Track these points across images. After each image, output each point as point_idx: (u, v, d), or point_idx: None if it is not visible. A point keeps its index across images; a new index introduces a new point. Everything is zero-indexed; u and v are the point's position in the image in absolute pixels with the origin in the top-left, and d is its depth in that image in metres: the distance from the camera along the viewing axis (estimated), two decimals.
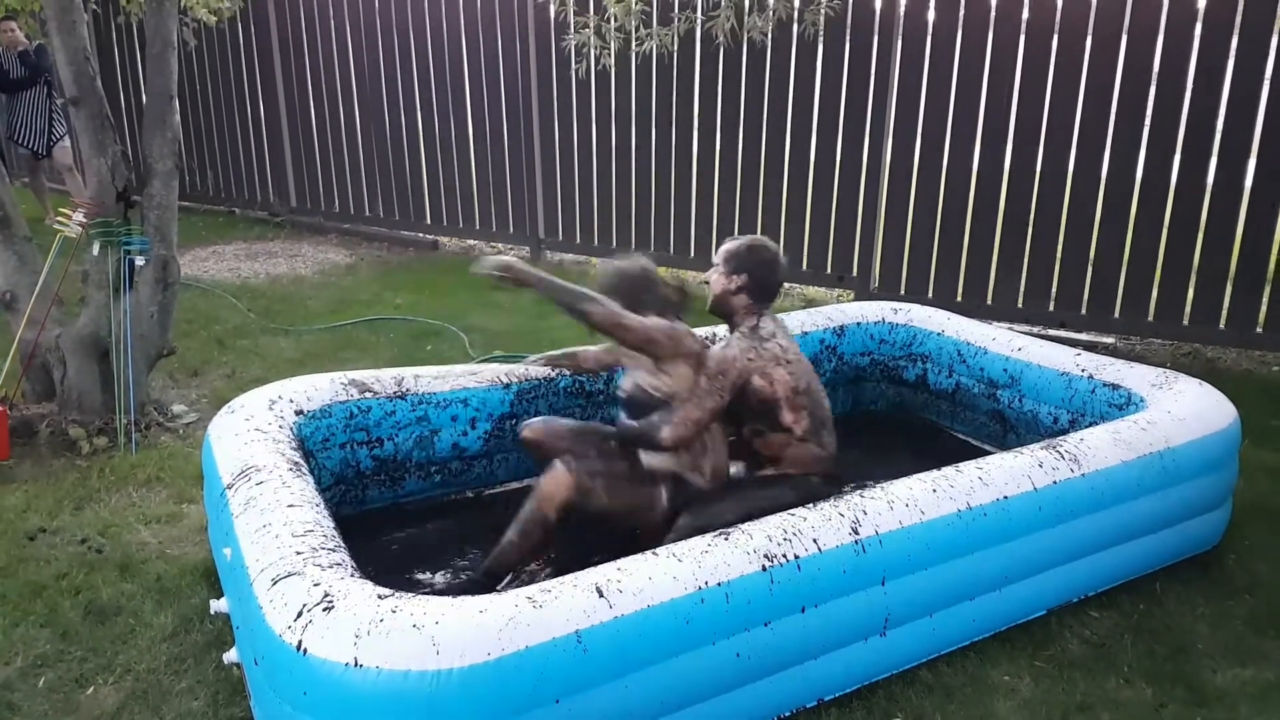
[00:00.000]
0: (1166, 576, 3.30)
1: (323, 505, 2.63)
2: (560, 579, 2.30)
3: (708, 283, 3.32)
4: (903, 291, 6.31)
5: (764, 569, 2.44)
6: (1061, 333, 5.86)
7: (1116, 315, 5.79)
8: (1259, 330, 5.47)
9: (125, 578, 3.17)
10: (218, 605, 2.70)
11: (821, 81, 6.42)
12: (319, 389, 3.39)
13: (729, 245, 3.28)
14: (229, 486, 2.73)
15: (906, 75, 6.11)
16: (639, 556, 2.42)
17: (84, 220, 4.20)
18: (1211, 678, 2.83)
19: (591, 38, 5.41)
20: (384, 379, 3.53)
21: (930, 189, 6.17)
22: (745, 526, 2.56)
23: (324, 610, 2.11)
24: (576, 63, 6.69)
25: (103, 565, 3.24)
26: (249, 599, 2.29)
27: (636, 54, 6.46)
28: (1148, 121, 5.49)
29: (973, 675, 2.81)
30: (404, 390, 3.52)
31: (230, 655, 2.60)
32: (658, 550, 2.45)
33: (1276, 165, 5.27)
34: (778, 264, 3.30)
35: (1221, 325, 5.54)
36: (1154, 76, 5.45)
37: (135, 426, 4.22)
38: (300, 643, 2.07)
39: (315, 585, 2.19)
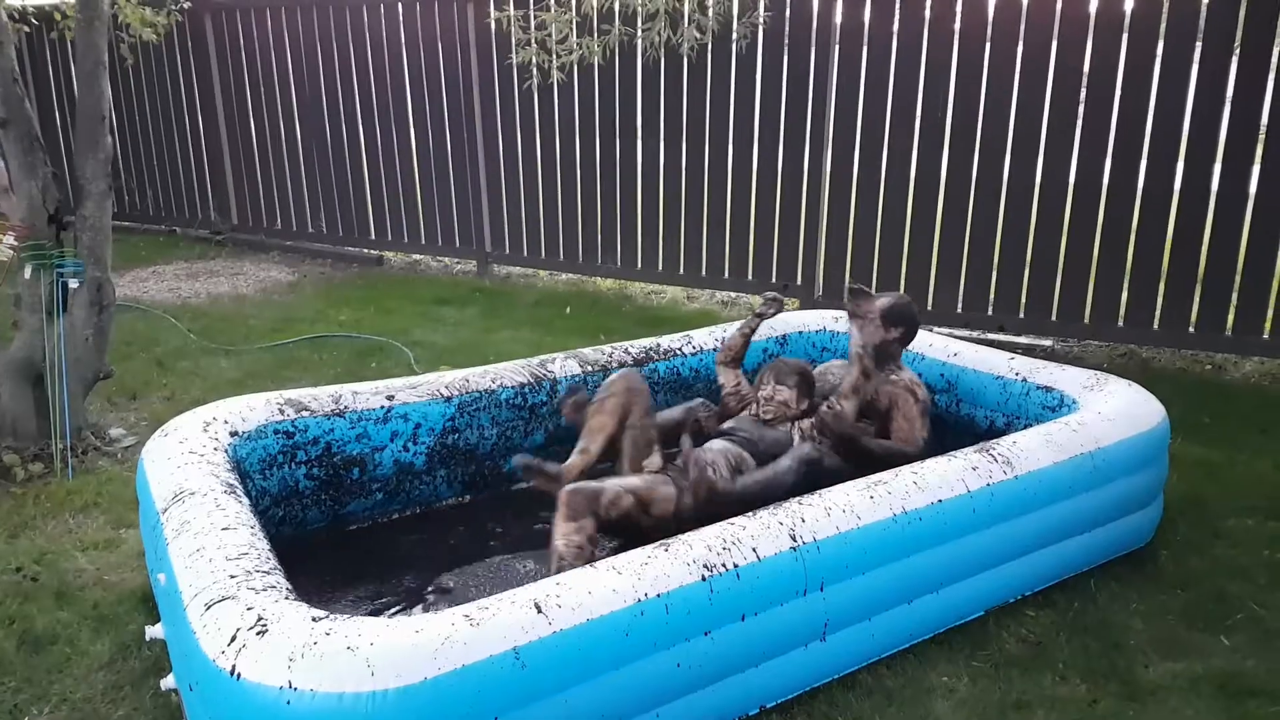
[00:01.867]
0: (1102, 574, 3.37)
1: (258, 528, 2.60)
2: (498, 596, 2.30)
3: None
4: (845, 299, 6.38)
5: (704, 579, 2.46)
6: (1000, 336, 5.96)
7: (1054, 318, 5.91)
8: (1191, 330, 5.61)
9: (61, 606, 3.11)
10: (153, 631, 2.66)
11: (761, 92, 6.49)
12: (254, 409, 3.35)
13: (886, 302, 3.85)
14: (163, 511, 2.69)
15: (844, 84, 6.20)
16: (577, 571, 2.43)
17: (15, 243, 4.12)
18: (1144, 672, 2.89)
19: (535, 55, 5.42)
20: (321, 397, 3.51)
21: (870, 197, 6.26)
22: (684, 537, 2.58)
23: (257, 634, 2.09)
24: (523, 83, 6.73)
25: (38, 594, 3.18)
26: (183, 624, 2.26)
27: (564, 65, 6.48)
28: (1079, 125, 5.62)
29: (912, 677, 2.85)
30: (342, 408, 3.49)
31: (167, 681, 2.56)
32: (596, 564, 2.46)
33: (1205, 168, 5.41)
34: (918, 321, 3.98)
35: (1155, 326, 5.68)
36: (1084, 79, 5.58)
37: (72, 452, 4.15)
38: (234, 667, 2.05)
39: (249, 609, 2.16)
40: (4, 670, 2.81)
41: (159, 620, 2.80)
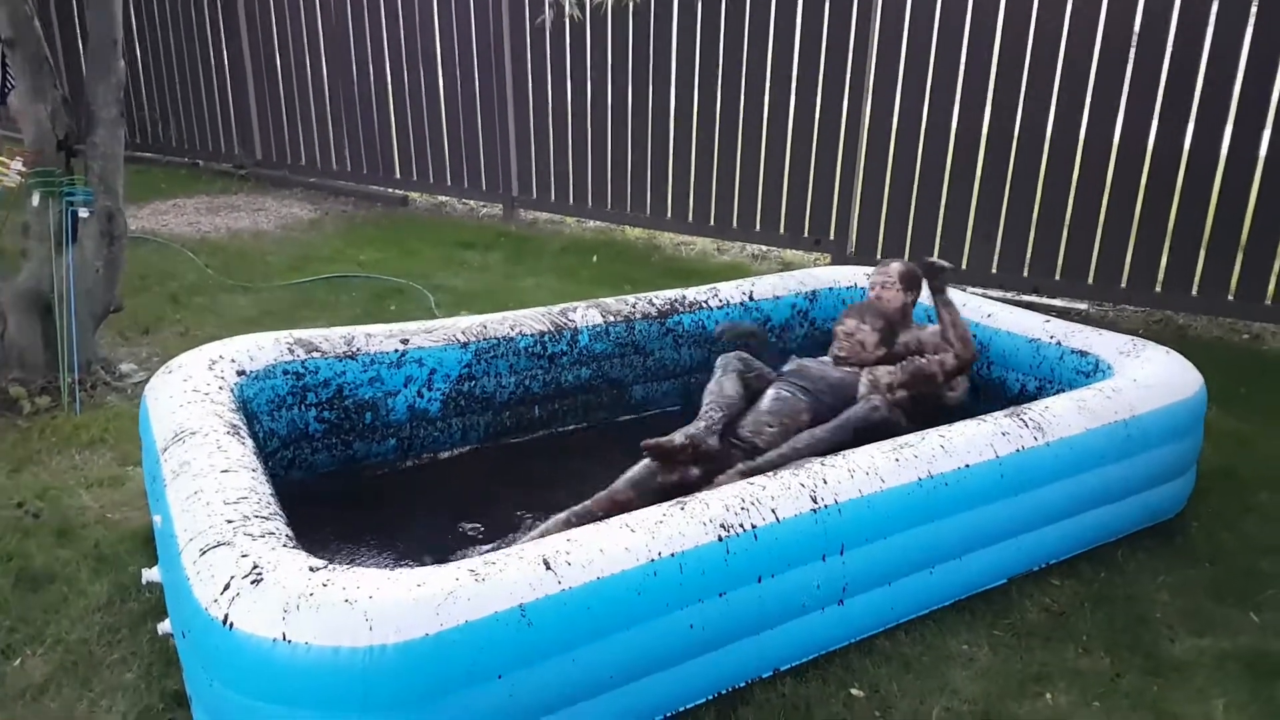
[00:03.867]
0: (1129, 544, 3.27)
1: (260, 471, 2.52)
2: (507, 550, 2.21)
3: (879, 297, 3.83)
4: (879, 255, 6.22)
5: (720, 539, 2.36)
6: (1035, 298, 5.79)
7: (1090, 281, 5.72)
8: (1230, 298, 5.42)
9: (62, 544, 3.06)
10: (149, 574, 2.60)
11: (801, 35, 6.26)
12: (263, 348, 3.26)
13: (901, 268, 3.88)
14: (163, 450, 2.62)
15: (887, 31, 5.97)
16: (589, 527, 2.34)
17: (23, 169, 4.02)
18: (1169, 647, 2.79)
19: None
20: (332, 338, 3.42)
21: (908, 151, 6.06)
22: (701, 496, 2.48)
23: (252, 583, 2.01)
24: (539, 16, 6.53)
25: (38, 530, 3.13)
26: (177, 569, 2.18)
27: (599, 4, 6.28)
28: (1127, 83, 5.39)
29: (930, 644, 2.77)
30: (354, 350, 3.40)
31: (164, 626, 2.50)
32: (610, 521, 2.37)
33: (1254, 132, 5.18)
34: None
35: (1194, 292, 5.49)
36: (1134, 36, 5.34)
37: (80, 386, 4.09)
38: (227, 616, 1.98)
39: (244, 556, 2.09)
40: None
41: (157, 563, 2.75)
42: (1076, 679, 2.65)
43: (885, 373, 3.47)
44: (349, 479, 3.47)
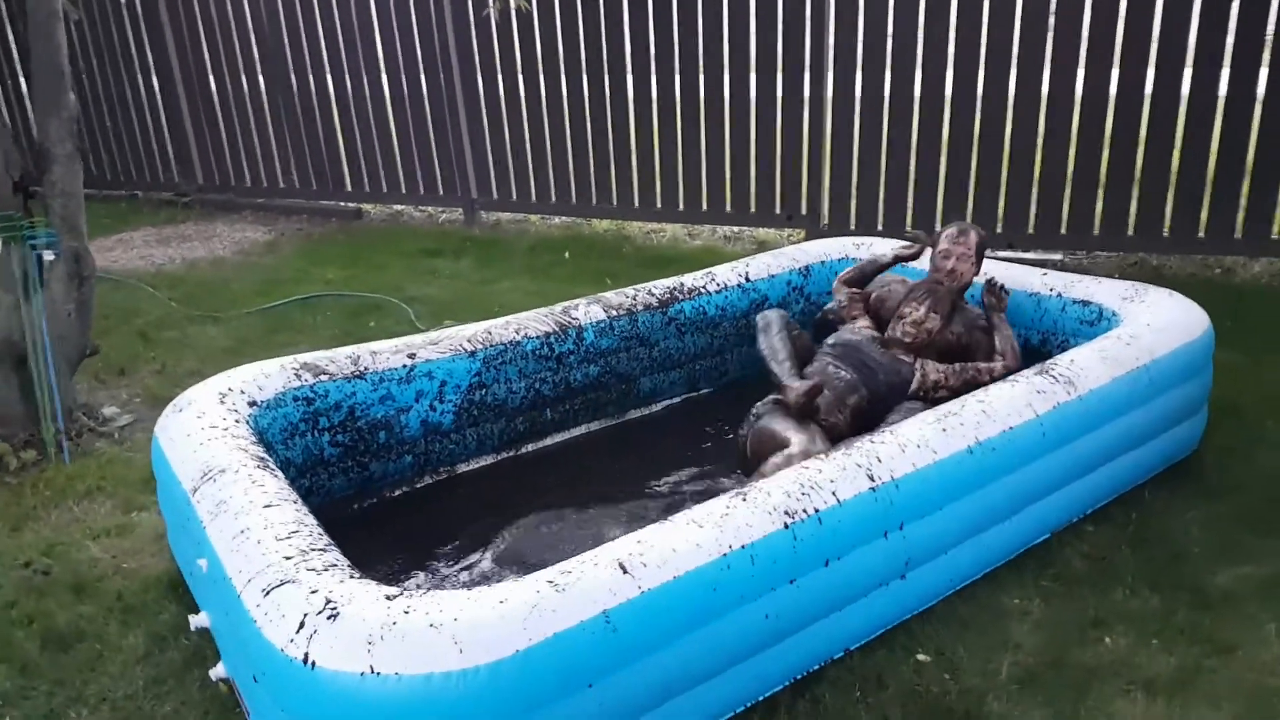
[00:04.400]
0: (1153, 486, 3.31)
1: (301, 502, 2.43)
2: (578, 558, 2.15)
3: (952, 270, 3.67)
4: (853, 226, 6.22)
5: (786, 526, 2.33)
6: (1009, 253, 5.83)
7: (1063, 231, 5.78)
8: (1201, 235, 5.51)
9: (81, 599, 2.92)
10: (197, 620, 2.49)
11: (757, 10, 6.21)
12: (270, 376, 3.16)
13: (977, 239, 3.72)
14: (193, 491, 2.51)
15: (843, 1, 5.95)
16: (655, 527, 2.28)
17: None
18: (1212, 579, 2.84)
19: None
20: (339, 359, 3.32)
21: (874, 120, 6.05)
22: (761, 484, 2.44)
23: (328, 618, 1.93)
24: (500, 16, 6.41)
25: (53, 588, 2.98)
26: (239, 612, 2.09)
27: None
28: (1084, 33, 5.44)
29: (984, 603, 2.77)
30: (362, 369, 3.31)
31: (217, 671, 2.39)
32: (673, 518, 2.32)
33: (1212, 74, 5.27)
34: None
35: (1165, 233, 5.58)
36: None
37: (65, 435, 3.92)
38: (306, 655, 1.89)
39: (314, 592, 2.00)
40: (32, 674, 2.62)
41: (197, 608, 2.64)
42: (1132, 620, 2.68)
43: (934, 370, 3.46)
44: (369, 501, 3.38)
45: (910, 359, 3.48)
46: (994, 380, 3.37)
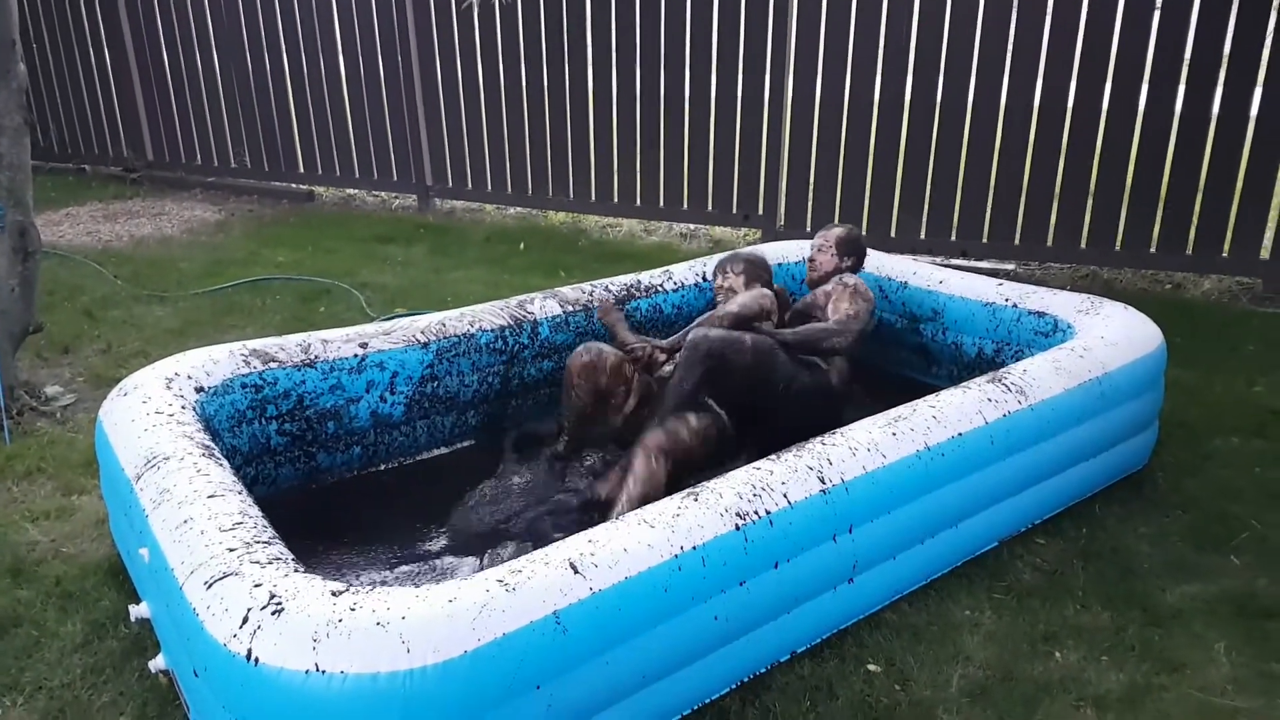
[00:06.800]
0: (1104, 499, 3.35)
1: (247, 493, 2.38)
2: (528, 556, 2.13)
3: (812, 260, 3.90)
4: (808, 228, 6.25)
5: (737, 527, 2.32)
6: (962, 262, 5.90)
7: (1017, 241, 5.86)
8: (1152, 250, 5.61)
9: (19, 584, 2.84)
10: (138, 610, 2.42)
11: (719, 8, 6.21)
12: (218, 362, 3.09)
13: (841, 233, 3.89)
14: (136, 478, 2.45)
15: (805, 3, 5.97)
16: (605, 526, 2.27)
17: None
18: (1162, 596, 2.87)
19: None
20: (289, 346, 3.25)
21: (833, 123, 6.09)
22: (712, 484, 2.43)
23: (272, 613, 1.89)
24: (462, 3, 6.34)
25: None
26: (181, 605, 2.04)
27: None
28: (1044, 47, 5.51)
29: (936, 613, 2.78)
30: (313, 358, 3.25)
31: (156, 663, 2.34)
32: (624, 517, 2.31)
33: (1169, 88, 5.36)
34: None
35: (1117, 247, 5.67)
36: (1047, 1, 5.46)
37: (6, 413, 3.81)
38: (250, 652, 1.85)
39: (257, 586, 1.96)
40: None
41: (138, 598, 2.57)
42: (1082, 635, 2.70)
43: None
44: (315, 492, 3.32)
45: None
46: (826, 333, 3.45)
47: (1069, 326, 3.60)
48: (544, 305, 3.76)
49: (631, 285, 4.01)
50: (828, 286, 3.68)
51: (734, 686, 2.45)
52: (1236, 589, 2.89)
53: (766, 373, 3.25)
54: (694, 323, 3.54)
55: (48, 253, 6.05)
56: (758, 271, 3.80)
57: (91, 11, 8.16)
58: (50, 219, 7.18)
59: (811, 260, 3.89)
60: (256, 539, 2.15)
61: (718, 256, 4.33)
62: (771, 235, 6.27)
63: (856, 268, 3.92)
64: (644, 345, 3.55)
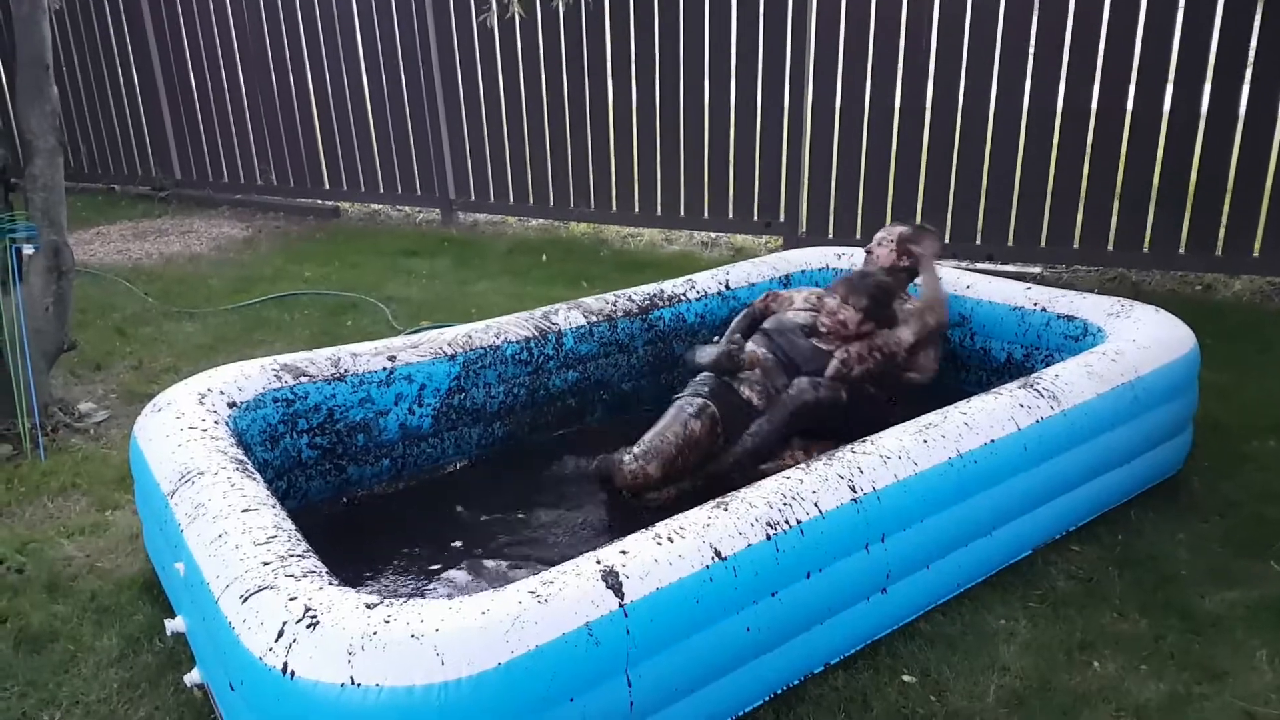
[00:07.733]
0: (1139, 505, 3.30)
1: (280, 507, 2.39)
2: (559, 568, 2.13)
3: (870, 250, 3.93)
4: (830, 235, 6.24)
5: (768, 537, 2.31)
6: (989, 266, 5.87)
7: (1043, 244, 5.82)
8: (1181, 251, 5.56)
9: (55, 599, 2.87)
10: (173, 625, 2.44)
11: (738, 17, 6.22)
12: (250, 377, 3.11)
13: (905, 233, 3.89)
14: (170, 493, 2.47)
15: (824, 9, 5.97)
16: (637, 536, 2.26)
17: None
18: (1201, 603, 2.82)
19: None
20: (319, 360, 3.27)
21: (854, 128, 6.07)
22: (742, 494, 2.42)
23: (308, 627, 1.90)
24: (482, 18, 6.38)
25: (27, 587, 2.93)
26: (216, 619, 2.05)
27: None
28: (1066, 47, 5.48)
29: (970, 622, 2.75)
30: (342, 371, 3.27)
31: (192, 677, 2.36)
32: (655, 528, 2.30)
33: (1194, 89, 5.31)
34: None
35: (1145, 249, 5.62)
36: (1069, 1, 5.43)
37: (41, 430, 3.86)
38: (285, 665, 1.86)
39: (293, 599, 1.97)
40: (4, 674, 2.57)
41: (173, 612, 2.59)
42: (1120, 644, 2.66)
43: (856, 356, 3.48)
44: (346, 505, 3.34)
45: (831, 349, 3.51)
46: (904, 346, 3.53)
47: (1099, 330, 3.56)
48: (568, 316, 3.76)
49: (654, 294, 4.01)
50: (914, 305, 3.72)
51: (768, 698, 2.43)
52: (1277, 595, 2.84)
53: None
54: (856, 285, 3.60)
55: (79, 271, 6.13)
56: (876, 311, 3.68)
57: (120, 34, 8.28)
58: (81, 238, 7.27)
59: (869, 251, 3.92)
60: (291, 552, 2.16)
61: (743, 264, 4.33)
62: (794, 242, 6.26)
63: (913, 272, 3.88)
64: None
